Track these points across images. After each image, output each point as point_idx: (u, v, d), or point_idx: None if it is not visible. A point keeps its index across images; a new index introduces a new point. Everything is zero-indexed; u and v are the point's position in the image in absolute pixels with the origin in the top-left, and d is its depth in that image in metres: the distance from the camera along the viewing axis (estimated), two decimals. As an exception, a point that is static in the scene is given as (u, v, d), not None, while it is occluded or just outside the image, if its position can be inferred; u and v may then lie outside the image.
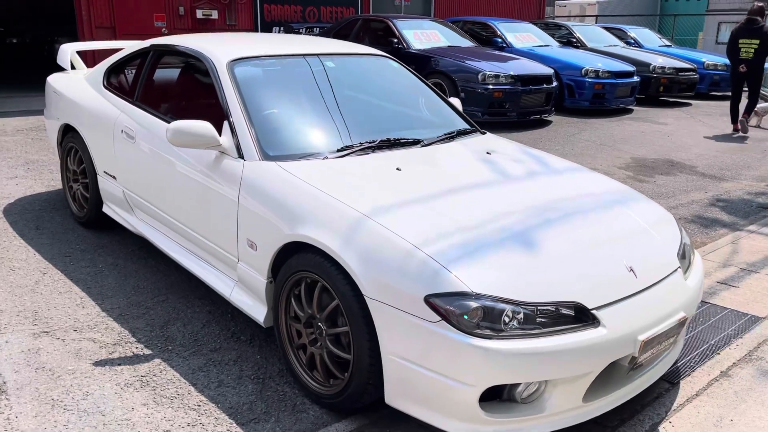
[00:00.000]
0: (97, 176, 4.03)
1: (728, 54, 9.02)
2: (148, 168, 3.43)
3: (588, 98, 9.93)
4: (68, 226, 4.40)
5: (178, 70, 3.68)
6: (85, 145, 4.07)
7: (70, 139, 4.28)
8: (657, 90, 11.50)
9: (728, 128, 9.41)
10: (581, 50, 11.50)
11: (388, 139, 3.16)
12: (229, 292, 3.01)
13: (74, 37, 10.93)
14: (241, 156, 2.92)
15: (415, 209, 2.50)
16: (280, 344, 2.75)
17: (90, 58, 9.59)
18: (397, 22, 9.52)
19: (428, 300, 2.14)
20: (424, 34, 9.55)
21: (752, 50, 8.72)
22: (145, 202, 3.57)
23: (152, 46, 3.77)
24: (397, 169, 2.86)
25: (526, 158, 3.28)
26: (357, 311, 2.32)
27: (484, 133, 3.64)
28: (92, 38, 10.31)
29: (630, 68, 10.50)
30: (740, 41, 8.78)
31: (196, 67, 3.56)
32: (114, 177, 3.84)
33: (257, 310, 2.85)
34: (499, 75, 8.43)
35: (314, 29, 11.80)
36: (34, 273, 3.67)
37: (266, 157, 2.88)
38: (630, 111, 10.77)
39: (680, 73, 11.63)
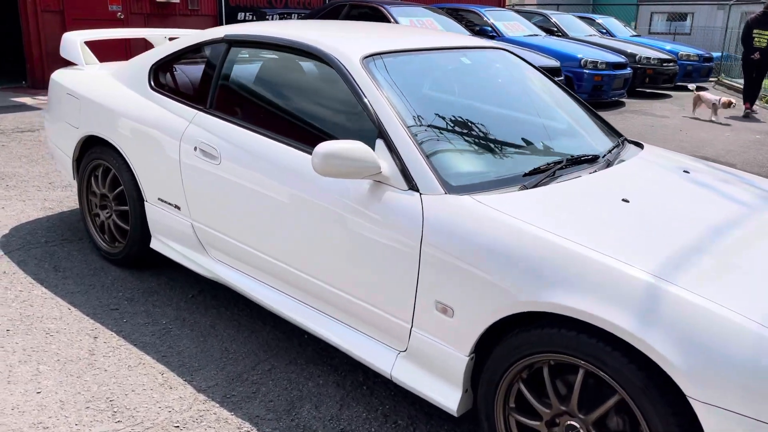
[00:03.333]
0: (145, 204, 3.14)
1: (743, 42, 9.50)
2: (245, 198, 2.61)
3: (587, 90, 9.53)
4: (95, 264, 3.47)
5: (261, 68, 2.86)
6: (127, 163, 3.17)
7: (96, 155, 3.35)
8: (642, 81, 11.28)
9: (728, 119, 9.26)
10: (569, 40, 11.11)
11: (572, 157, 2.50)
12: (388, 366, 2.27)
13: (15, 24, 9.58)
14: (412, 187, 2.17)
15: (705, 264, 1.84)
16: (494, 444, 2.05)
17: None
18: (392, 9, 8.78)
19: (817, 410, 1.50)
20: (420, 23, 8.85)
21: (765, 39, 9.21)
22: (233, 242, 2.75)
23: (226, 37, 2.92)
24: (624, 200, 2.19)
25: (728, 177, 2.69)
26: (669, 419, 1.65)
27: (641, 145, 3.01)
28: (37, 24, 9.05)
29: (623, 59, 10.19)
30: (754, 31, 9.26)
31: (298, 66, 2.75)
32: (176, 206, 2.97)
33: (444, 394, 2.12)
34: (512, 67, 7.86)
35: (290, 15, 10.88)
36: (81, 338, 2.78)
37: (450, 188, 2.15)
38: (623, 104, 10.48)
39: (664, 64, 11.46)
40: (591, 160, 2.55)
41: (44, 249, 3.63)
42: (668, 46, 13.12)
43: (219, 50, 2.93)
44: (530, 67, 3.24)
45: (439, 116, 2.46)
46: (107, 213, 3.44)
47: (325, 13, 9.41)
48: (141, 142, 3.05)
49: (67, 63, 9.28)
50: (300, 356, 2.74)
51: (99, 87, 3.36)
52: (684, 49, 13.05)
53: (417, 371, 2.21)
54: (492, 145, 2.46)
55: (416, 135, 2.28)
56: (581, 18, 13.76)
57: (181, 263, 3.07)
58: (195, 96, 2.95)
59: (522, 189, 2.20)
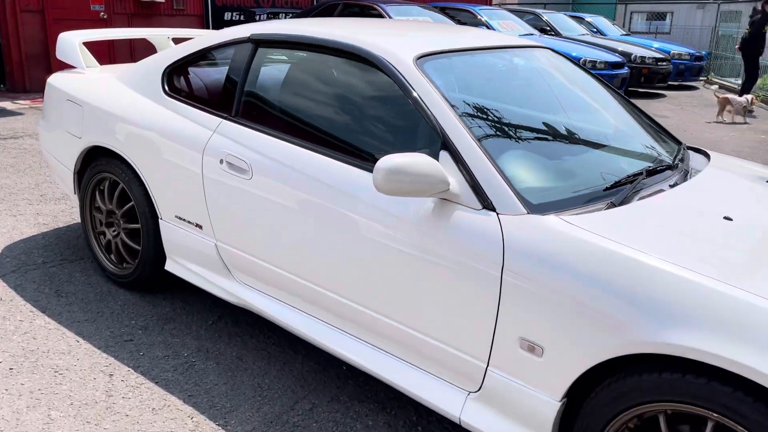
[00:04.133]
0: (160, 221, 2.84)
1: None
2: (281, 217, 2.32)
3: (587, 91, 9.33)
4: (101, 288, 3.15)
5: (295, 71, 2.56)
6: (139, 177, 2.86)
7: (102, 168, 3.03)
8: (638, 81, 11.15)
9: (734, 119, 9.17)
10: (564, 40, 10.94)
11: (650, 168, 2.25)
12: (456, 409, 2.00)
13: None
14: (487, 206, 1.90)
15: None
16: (592, 501, 1.78)
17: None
18: (388, 8, 8.51)
19: None
20: (418, 22, 8.59)
21: (745, 34, 10.54)
22: (265, 265, 2.46)
23: (253, 36, 2.62)
24: (726, 218, 1.94)
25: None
26: (824, 479, 1.40)
27: (705, 153, 2.78)
28: (16, 24, 8.63)
29: (620, 59, 10.04)
30: (747, 26, 10.66)
31: (338, 68, 2.47)
32: (198, 225, 2.67)
33: (527, 442, 1.86)
34: (515, 67, 7.63)
35: (278, 15, 10.56)
36: (95, 376, 2.47)
37: (531, 207, 1.88)
38: (621, 103, 10.32)
39: (658, 63, 11.34)
40: (666, 169, 2.31)
41: (42, 271, 3.29)
42: (656, 44, 13.04)
43: (244, 51, 2.63)
44: (576, 67, 3.00)
45: (502, 123, 2.20)
46: (114, 231, 3.12)
47: (318, 12, 9.11)
48: (155, 154, 2.74)
49: (48, 65, 8.87)
50: (341, 392, 2.46)
51: (104, 92, 3.04)
52: (676, 48, 12.97)
53: (492, 416, 1.94)
54: (562, 155, 2.20)
55: (487, 147, 2.01)
56: (571, 17, 13.61)
57: (201, 287, 2.77)
58: (218, 102, 2.65)
59: (610, 206, 1.94)
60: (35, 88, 8.82)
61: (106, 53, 9.26)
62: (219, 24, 10.71)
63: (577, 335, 1.69)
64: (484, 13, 10.44)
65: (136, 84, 2.97)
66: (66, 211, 4.14)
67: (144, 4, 9.79)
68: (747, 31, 10.56)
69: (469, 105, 2.17)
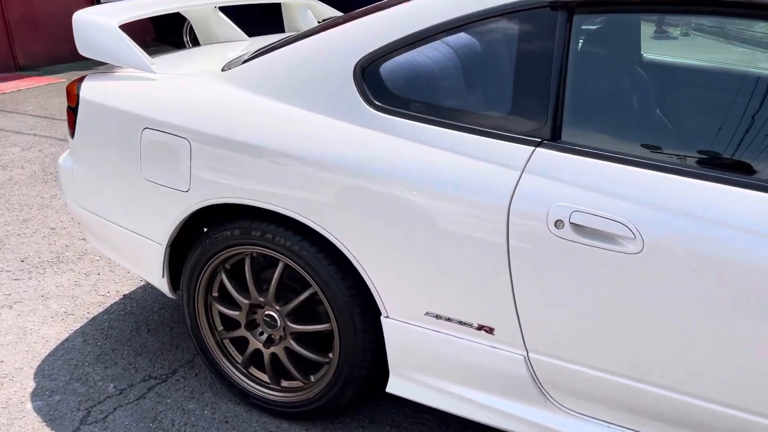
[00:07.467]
0: (384, 321, 1.70)
1: None
2: (719, 318, 1.32)
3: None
4: (247, 425, 1.95)
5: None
6: (334, 250, 1.69)
7: (238, 238, 1.80)
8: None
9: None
10: None
11: None
12: None
13: None
14: None
15: None
16: None
17: None
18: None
19: None
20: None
21: None
22: (660, 393, 1.44)
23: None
24: None
25: None
26: None
27: None
28: None
29: None
30: None
31: None
32: (485, 329, 1.58)
33: None
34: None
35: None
36: None
37: None
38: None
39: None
40: None
41: (132, 411, 2.01)
42: None
43: (544, 23, 1.50)
44: None
45: None
46: (261, 334, 1.92)
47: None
48: (380, 213, 1.58)
49: None
50: None
51: (232, 113, 1.78)
52: None
53: None
54: None
55: None
56: None
57: (473, 419, 1.70)
58: (505, 117, 1.53)
59: None
60: None
61: None
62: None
63: None
64: None
65: (295, 94, 1.74)
66: (81, 283, 2.77)
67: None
68: None
69: None
